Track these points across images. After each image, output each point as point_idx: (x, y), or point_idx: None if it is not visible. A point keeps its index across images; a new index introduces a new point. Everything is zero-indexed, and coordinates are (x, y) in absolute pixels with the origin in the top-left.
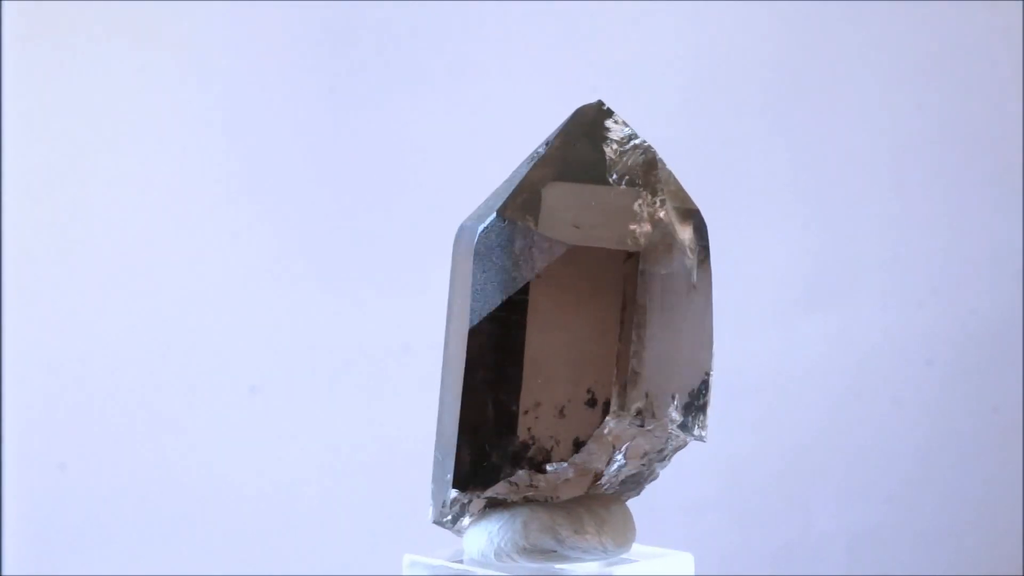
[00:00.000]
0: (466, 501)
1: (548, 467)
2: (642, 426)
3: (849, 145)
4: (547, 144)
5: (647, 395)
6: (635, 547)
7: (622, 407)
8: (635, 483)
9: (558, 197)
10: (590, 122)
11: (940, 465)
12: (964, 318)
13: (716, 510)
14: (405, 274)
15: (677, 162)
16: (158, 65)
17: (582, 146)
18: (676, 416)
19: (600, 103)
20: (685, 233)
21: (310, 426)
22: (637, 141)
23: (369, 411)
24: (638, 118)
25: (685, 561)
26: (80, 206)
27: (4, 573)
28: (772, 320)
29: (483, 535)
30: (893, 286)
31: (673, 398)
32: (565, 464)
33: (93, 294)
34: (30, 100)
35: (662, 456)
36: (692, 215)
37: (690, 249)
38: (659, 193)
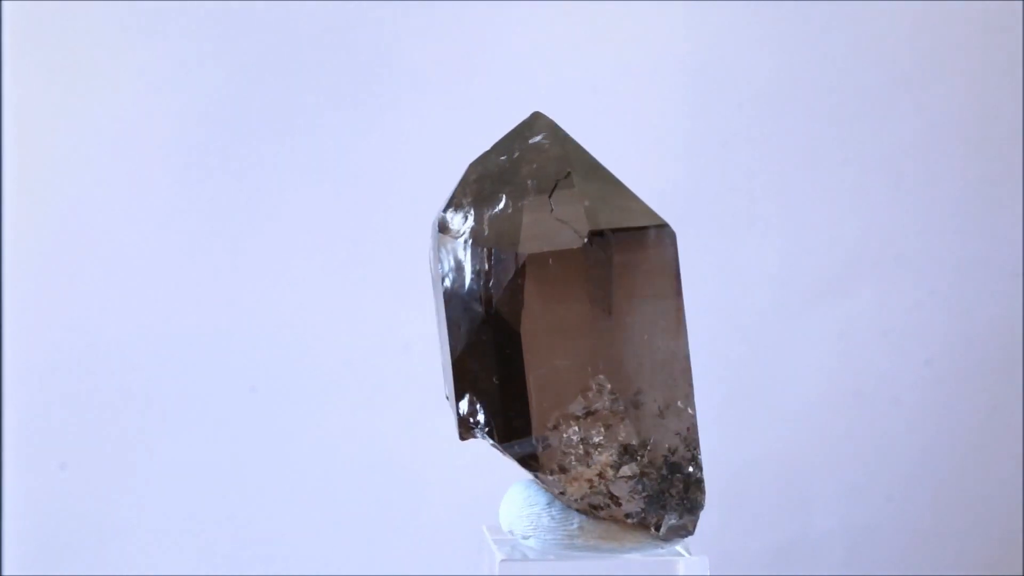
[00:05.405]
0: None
1: None
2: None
3: (849, 145)
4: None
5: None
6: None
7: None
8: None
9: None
10: (515, 135)
11: (940, 465)
12: (964, 318)
13: (716, 510)
14: (405, 274)
15: (677, 161)
16: (158, 66)
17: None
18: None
19: (534, 114)
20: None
21: (310, 426)
22: (533, 143)
23: (369, 411)
24: (639, 117)
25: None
26: (80, 206)
27: (4, 573)
28: (771, 319)
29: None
30: (893, 286)
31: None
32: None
33: (93, 294)
34: (30, 100)
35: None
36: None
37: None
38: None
